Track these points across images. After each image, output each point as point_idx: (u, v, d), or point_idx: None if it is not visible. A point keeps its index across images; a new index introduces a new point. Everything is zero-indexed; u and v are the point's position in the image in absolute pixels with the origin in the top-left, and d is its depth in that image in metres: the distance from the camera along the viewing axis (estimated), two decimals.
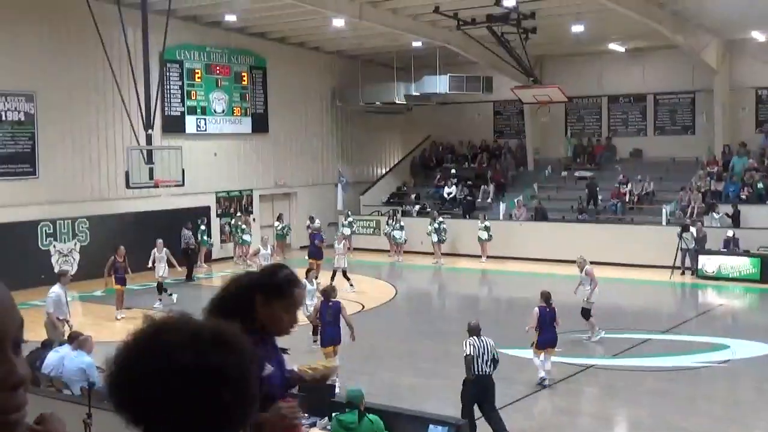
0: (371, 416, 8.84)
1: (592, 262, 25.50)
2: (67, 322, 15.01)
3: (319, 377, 3.97)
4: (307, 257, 24.26)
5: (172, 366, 1.56)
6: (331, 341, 13.56)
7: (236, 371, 1.60)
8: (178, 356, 1.57)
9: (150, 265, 21.27)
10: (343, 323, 13.52)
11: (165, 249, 21.41)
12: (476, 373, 11.01)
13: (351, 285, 22.41)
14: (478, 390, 11.02)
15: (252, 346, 1.71)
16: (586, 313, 16.78)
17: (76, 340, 11.14)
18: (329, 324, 13.56)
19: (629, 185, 29.01)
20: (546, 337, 13.67)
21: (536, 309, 13.87)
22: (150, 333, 1.64)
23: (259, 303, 3.33)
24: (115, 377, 1.61)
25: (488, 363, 11.02)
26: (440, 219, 28.53)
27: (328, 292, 13.93)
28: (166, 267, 21.24)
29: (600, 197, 29.37)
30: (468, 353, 11.04)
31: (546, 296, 13.87)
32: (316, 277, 19.10)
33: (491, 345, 11.20)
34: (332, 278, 22.50)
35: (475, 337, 11.27)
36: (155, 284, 21.29)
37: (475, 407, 10.99)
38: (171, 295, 20.92)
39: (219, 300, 3.36)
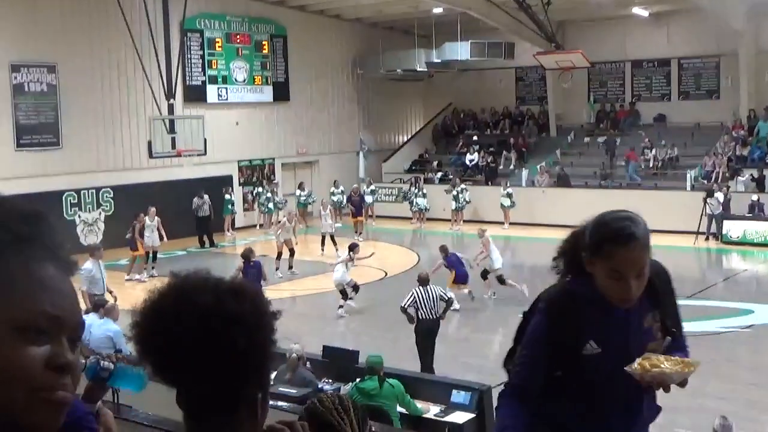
0: (391, 380, 8.93)
1: None
2: (111, 293, 15.20)
3: (658, 381, 2.72)
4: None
5: (192, 308, 1.63)
6: None
7: (251, 319, 1.66)
8: (198, 299, 1.64)
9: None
10: None
11: (156, 218, 21.22)
12: (420, 318, 12.46)
13: (337, 249, 22.13)
14: (427, 333, 12.46)
15: (269, 305, 1.74)
16: (501, 279, 17.81)
17: (103, 308, 11.28)
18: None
19: (653, 150, 28.79)
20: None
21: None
22: (174, 283, 1.72)
23: (585, 262, 2.74)
24: (139, 320, 1.70)
25: (432, 310, 12.48)
26: (462, 186, 28.46)
27: (248, 254, 15.69)
28: (157, 237, 21.13)
29: (622, 163, 29.24)
30: (404, 305, 12.58)
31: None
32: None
33: (437, 294, 12.72)
34: (322, 243, 23.44)
35: (421, 287, 12.64)
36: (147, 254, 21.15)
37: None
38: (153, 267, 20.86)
39: (561, 250, 2.97)
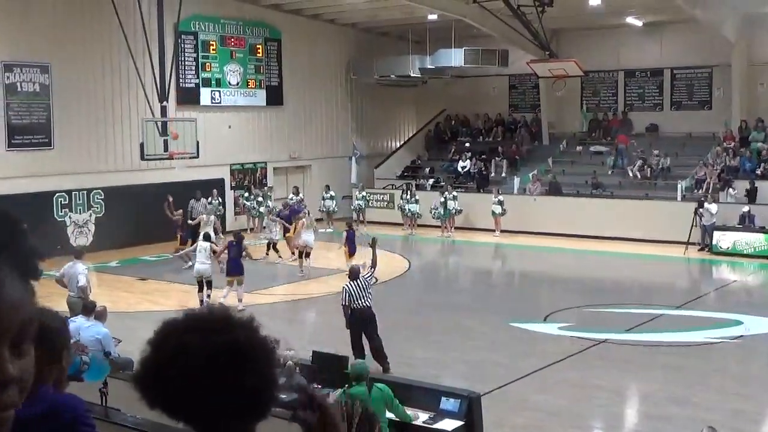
0: (379, 385, 8.93)
1: (606, 238, 25.65)
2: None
3: None
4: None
5: (193, 388, 1.66)
6: (233, 272, 17.25)
7: (254, 384, 1.71)
8: (198, 380, 1.66)
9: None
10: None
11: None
12: (355, 308, 12.86)
13: (280, 257, 23.28)
14: (359, 321, 12.90)
15: (271, 346, 1.79)
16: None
17: (93, 310, 11.24)
18: (233, 258, 17.30)
19: (637, 162, 28.87)
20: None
21: (344, 233, 20.52)
22: (169, 353, 1.70)
23: None
24: (142, 388, 1.72)
25: (364, 299, 12.91)
26: (453, 193, 28.42)
27: (239, 235, 17.97)
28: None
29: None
30: (344, 303, 12.96)
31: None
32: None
33: (368, 283, 13.14)
34: (267, 250, 23.48)
35: (351, 281, 13.02)
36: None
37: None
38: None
39: None
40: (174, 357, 1.68)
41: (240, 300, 16.74)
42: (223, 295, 16.85)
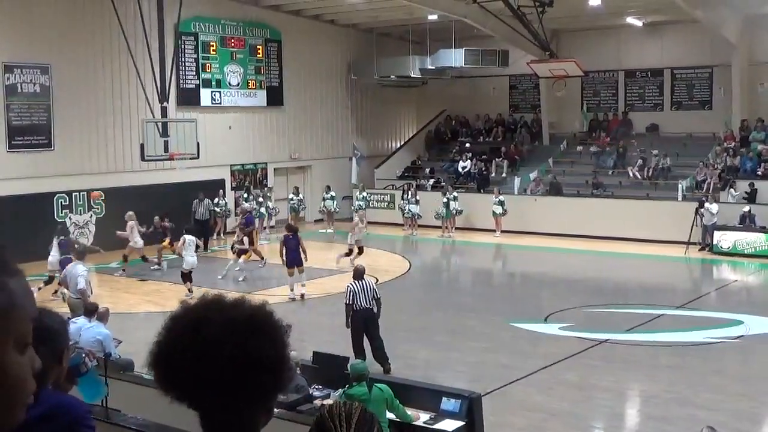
0: (380, 385, 8.92)
1: (606, 238, 25.64)
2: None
3: None
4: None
5: (214, 359, 1.67)
6: (293, 263, 18.41)
7: (273, 357, 1.72)
8: (219, 349, 1.67)
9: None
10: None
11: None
12: (358, 308, 12.88)
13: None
14: (362, 322, 12.92)
15: (285, 328, 1.80)
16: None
17: (95, 312, 11.24)
18: (292, 251, 18.35)
19: (638, 162, 28.86)
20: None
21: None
22: (188, 326, 1.73)
23: None
24: (158, 366, 1.73)
25: (369, 300, 12.94)
26: (454, 194, 28.41)
27: (294, 228, 19.28)
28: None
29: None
30: (348, 302, 12.97)
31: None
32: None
33: (372, 286, 13.29)
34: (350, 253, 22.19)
35: (356, 281, 13.12)
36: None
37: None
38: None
39: None
40: (193, 328, 1.70)
41: (303, 285, 18.57)
42: (291, 287, 18.56)
